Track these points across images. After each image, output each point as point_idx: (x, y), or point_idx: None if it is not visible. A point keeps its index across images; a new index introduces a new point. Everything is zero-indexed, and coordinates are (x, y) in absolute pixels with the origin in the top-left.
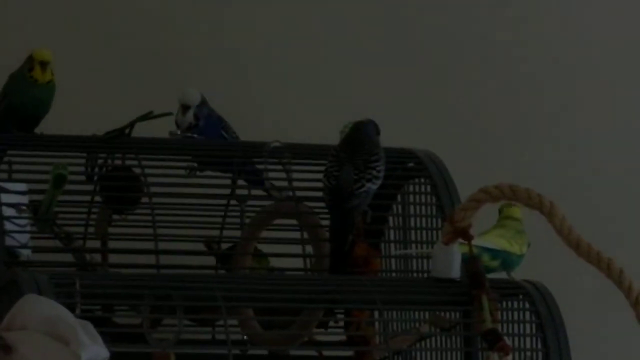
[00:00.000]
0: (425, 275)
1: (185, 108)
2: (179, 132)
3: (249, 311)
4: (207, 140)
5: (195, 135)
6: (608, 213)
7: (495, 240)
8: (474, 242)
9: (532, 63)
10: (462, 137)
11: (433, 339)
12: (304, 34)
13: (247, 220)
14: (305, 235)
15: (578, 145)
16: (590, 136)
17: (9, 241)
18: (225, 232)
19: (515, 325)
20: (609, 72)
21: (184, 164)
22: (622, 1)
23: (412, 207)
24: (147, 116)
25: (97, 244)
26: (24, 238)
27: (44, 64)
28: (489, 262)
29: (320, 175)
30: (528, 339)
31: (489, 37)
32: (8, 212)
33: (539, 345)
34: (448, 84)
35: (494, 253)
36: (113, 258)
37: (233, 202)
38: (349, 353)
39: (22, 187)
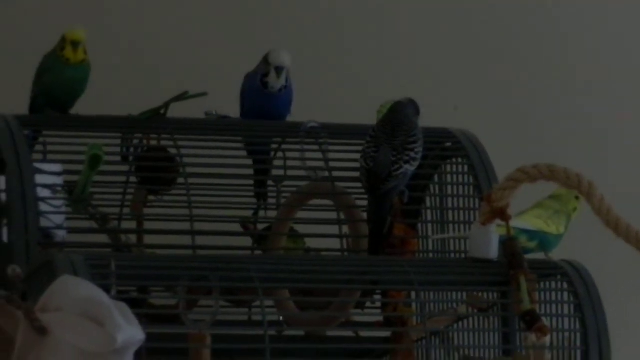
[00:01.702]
0: (463, 255)
1: (279, 70)
2: (214, 112)
3: (285, 292)
4: (242, 120)
5: (231, 115)
6: None
7: (532, 221)
8: (511, 223)
9: (569, 42)
10: (500, 116)
11: (470, 319)
12: (342, 11)
13: (283, 201)
14: (342, 216)
15: (615, 124)
16: (625, 113)
17: (44, 222)
18: (262, 213)
19: (554, 306)
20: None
21: (220, 145)
22: None
23: (449, 188)
24: (183, 96)
25: (132, 225)
26: (59, 219)
27: (75, 44)
28: (526, 243)
29: (357, 156)
30: (566, 320)
31: (524, 14)
32: (43, 193)
33: (577, 326)
34: (487, 62)
35: (531, 234)
36: (149, 239)
37: (269, 182)
38: (386, 334)
39: (57, 167)
